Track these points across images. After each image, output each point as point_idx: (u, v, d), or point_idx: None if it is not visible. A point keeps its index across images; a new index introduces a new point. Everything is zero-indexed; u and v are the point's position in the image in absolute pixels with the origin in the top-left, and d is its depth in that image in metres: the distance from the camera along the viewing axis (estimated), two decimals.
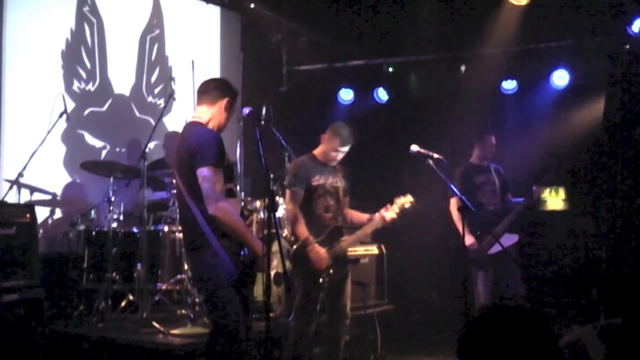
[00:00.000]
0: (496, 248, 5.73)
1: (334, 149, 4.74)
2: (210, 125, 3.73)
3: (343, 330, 4.71)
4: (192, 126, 3.73)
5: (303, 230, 4.59)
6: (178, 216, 3.97)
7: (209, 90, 3.78)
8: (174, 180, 4.85)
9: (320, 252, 4.56)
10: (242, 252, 3.56)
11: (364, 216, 4.91)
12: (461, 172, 6.04)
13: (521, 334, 1.71)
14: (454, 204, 5.89)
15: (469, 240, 5.68)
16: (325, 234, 4.65)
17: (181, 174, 3.64)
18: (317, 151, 4.85)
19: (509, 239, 5.76)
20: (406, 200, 4.82)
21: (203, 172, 3.47)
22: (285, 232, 5.94)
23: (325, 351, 4.78)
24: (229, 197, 3.60)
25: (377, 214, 4.80)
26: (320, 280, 4.54)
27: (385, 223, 4.79)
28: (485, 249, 5.78)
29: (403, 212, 4.81)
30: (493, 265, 5.82)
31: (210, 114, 3.74)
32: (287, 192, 4.73)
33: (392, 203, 4.81)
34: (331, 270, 4.59)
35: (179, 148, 3.69)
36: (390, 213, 4.77)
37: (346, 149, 4.78)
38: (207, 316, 3.99)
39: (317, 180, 4.69)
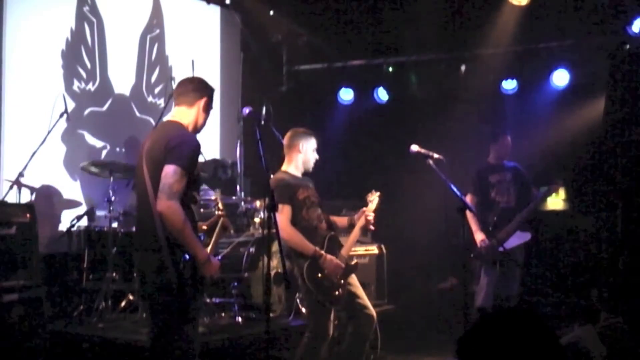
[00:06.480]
0: (507, 245, 5.73)
1: (313, 149, 4.64)
2: (190, 127, 3.66)
3: (367, 327, 4.59)
4: (174, 125, 3.65)
5: (307, 244, 4.42)
6: (137, 214, 3.66)
7: (186, 92, 3.69)
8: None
9: (333, 259, 4.47)
10: (184, 258, 3.42)
11: (343, 219, 4.83)
12: (476, 171, 6.05)
13: (520, 336, 1.71)
14: (469, 200, 5.86)
15: (480, 236, 5.71)
16: (325, 245, 4.53)
17: (151, 170, 3.51)
18: (287, 167, 4.65)
19: (521, 237, 5.75)
20: (375, 197, 4.75)
21: (169, 168, 3.39)
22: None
23: (351, 349, 4.64)
24: (191, 203, 3.52)
25: (355, 217, 4.71)
26: (336, 293, 4.45)
27: (369, 224, 4.71)
28: (495, 246, 5.77)
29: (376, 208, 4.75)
30: (500, 262, 5.82)
31: (189, 115, 3.67)
32: (279, 207, 4.32)
33: (366, 205, 4.73)
34: (342, 281, 4.50)
35: (156, 143, 3.55)
36: (370, 214, 4.68)
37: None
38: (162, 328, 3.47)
39: (302, 193, 4.54)
